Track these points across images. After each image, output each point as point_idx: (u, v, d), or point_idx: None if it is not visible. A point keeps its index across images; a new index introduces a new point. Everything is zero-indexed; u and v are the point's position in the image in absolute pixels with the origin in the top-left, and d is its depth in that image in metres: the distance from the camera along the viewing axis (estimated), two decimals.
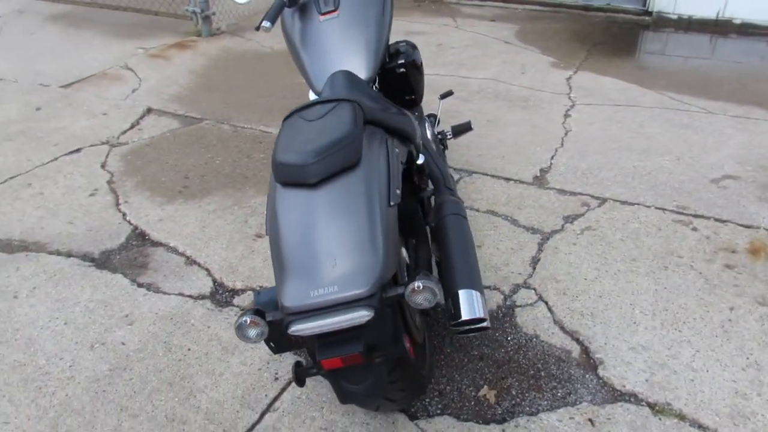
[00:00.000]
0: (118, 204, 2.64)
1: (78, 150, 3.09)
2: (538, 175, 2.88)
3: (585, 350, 1.90)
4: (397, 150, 1.55)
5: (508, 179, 2.85)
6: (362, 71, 1.96)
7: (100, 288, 2.14)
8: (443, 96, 2.67)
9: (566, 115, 3.46)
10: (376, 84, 2.12)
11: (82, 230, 2.47)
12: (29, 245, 2.37)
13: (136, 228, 2.48)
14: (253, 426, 1.65)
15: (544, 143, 3.16)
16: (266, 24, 1.97)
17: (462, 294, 1.47)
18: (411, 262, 1.72)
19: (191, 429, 1.64)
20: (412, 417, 1.69)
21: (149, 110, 3.53)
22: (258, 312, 1.29)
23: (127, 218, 2.54)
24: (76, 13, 5.38)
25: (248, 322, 1.28)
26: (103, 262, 2.28)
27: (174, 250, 2.35)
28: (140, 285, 2.16)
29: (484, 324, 1.49)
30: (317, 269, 1.27)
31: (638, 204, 2.63)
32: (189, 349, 1.88)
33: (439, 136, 2.52)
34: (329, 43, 2.00)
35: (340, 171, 1.38)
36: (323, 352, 1.26)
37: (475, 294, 1.48)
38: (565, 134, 3.25)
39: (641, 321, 2.00)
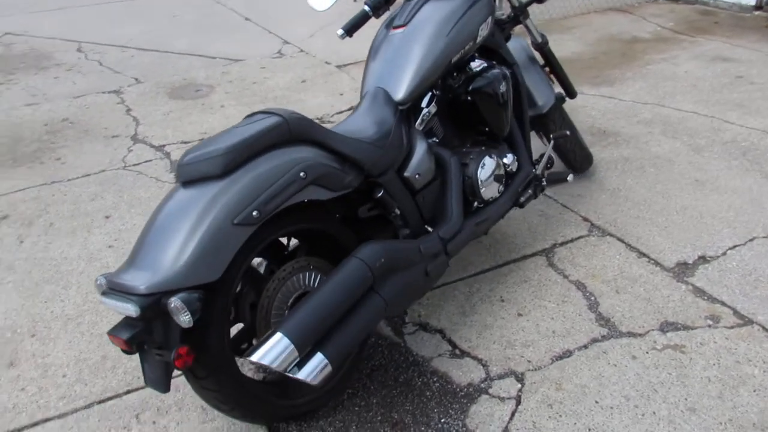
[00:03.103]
0: None
1: None
2: (689, 262, 2.21)
3: None
4: (302, 174, 1.50)
5: (642, 255, 2.27)
6: (398, 92, 1.87)
7: None
8: (555, 137, 2.27)
9: None
10: (428, 108, 1.96)
11: None
12: None
13: None
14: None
15: (743, 227, 2.37)
16: (339, 32, 2.05)
17: (274, 336, 1.38)
18: None
19: None
20: None
21: None
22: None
23: None
24: None
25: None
26: None
27: None
28: None
29: (287, 374, 1.39)
30: (139, 256, 1.40)
31: None
32: None
33: (533, 181, 2.18)
34: (382, 58, 1.97)
35: (202, 178, 1.44)
36: (115, 327, 1.38)
37: (288, 345, 1.37)
38: None
39: None
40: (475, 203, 2.00)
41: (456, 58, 1.95)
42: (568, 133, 2.32)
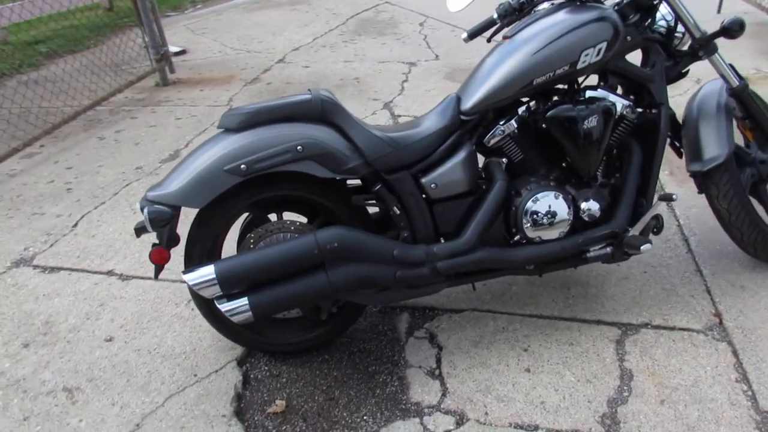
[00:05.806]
0: None
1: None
2: None
3: None
4: (299, 148, 1.68)
5: (743, 379, 1.73)
6: (466, 102, 1.85)
7: None
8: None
9: None
10: (503, 126, 1.84)
11: None
12: None
13: None
14: None
15: None
16: (464, 35, 2.07)
17: (207, 267, 1.64)
18: None
19: None
20: (240, 362, 1.95)
21: None
22: None
23: None
24: None
25: None
26: None
27: None
28: None
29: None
30: (167, 176, 1.81)
31: None
32: None
33: (613, 240, 1.84)
34: (478, 66, 1.94)
35: (227, 129, 1.76)
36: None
37: (213, 278, 1.62)
38: None
39: None
40: (517, 236, 1.84)
41: (541, 80, 1.78)
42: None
